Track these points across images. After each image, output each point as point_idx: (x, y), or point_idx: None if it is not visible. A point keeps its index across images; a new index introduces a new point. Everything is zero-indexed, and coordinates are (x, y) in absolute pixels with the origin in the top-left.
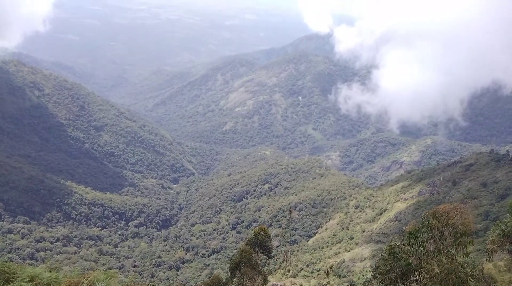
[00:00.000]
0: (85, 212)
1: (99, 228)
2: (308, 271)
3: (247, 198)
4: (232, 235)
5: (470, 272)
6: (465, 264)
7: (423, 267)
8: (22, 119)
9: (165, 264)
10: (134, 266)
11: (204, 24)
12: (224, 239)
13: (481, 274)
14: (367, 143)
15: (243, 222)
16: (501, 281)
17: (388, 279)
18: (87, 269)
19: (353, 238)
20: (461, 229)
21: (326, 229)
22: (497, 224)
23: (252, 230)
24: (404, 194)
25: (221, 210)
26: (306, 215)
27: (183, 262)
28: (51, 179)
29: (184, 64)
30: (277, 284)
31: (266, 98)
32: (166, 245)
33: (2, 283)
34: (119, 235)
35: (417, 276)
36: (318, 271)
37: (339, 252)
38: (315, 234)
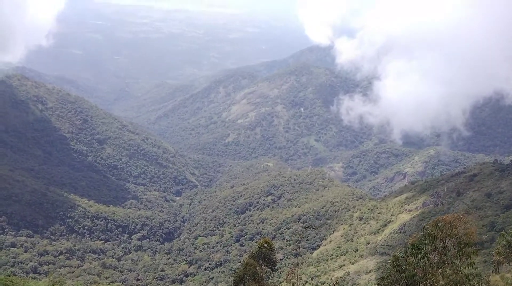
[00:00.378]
0: (88, 225)
1: (102, 241)
2: (312, 284)
3: (250, 210)
4: (236, 248)
5: (476, 284)
6: (471, 276)
7: (428, 278)
8: (26, 133)
9: (168, 278)
10: (138, 280)
11: (206, 37)
12: (227, 252)
13: None
14: (370, 154)
15: (247, 234)
16: None
17: None
18: (90, 282)
19: (357, 250)
20: (465, 239)
21: (330, 241)
22: (503, 235)
23: (256, 242)
24: (408, 205)
25: (224, 223)
26: (310, 227)
27: (187, 276)
28: (54, 192)
29: (187, 77)
30: None
31: (268, 109)
32: (169, 258)
33: None
34: (122, 248)
35: None
36: (323, 284)
37: (343, 265)
38: (319, 246)
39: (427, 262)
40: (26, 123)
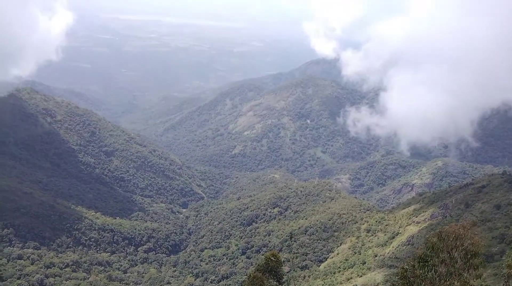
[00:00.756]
0: (95, 237)
1: (109, 253)
2: None
3: (256, 222)
4: (242, 260)
5: None
6: None
7: None
8: (34, 145)
9: None
10: None
11: (213, 51)
12: (234, 264)
13: None
14: (377, 166)
15: (253, 247)
16: None
17: None
18: None
19: (365, 262)
20: (471, 249)
21: (337, 254)
22: None
23: (263, 255)
24: (416, 217)
25: (231, 235)
26: (317, 240)
27: None
28: (61, 204)
29: (193, 90)
30: None
31: (275, 121)
32: (175, 270)
33: None
34: (129, 260)
35: None
36: None
37: (351, 278)
38: (326, 258)
39: (434, 274)
40: (35, 136)
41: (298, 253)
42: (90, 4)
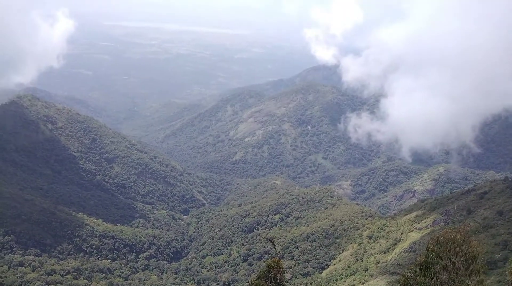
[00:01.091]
0: (96, 244)
1: (110, 260)
2: None
3: (258, 229)
4: (244, 267)
5: None
6: None
7: None
8: (35, 152)
9: None
10: None
11: (213, 58)
12: (235, 271)
13: None
14: (379, 172)
15: (255, 253)
16: None
17: None
18: None
19: (367, 269)
20: (470, 254)
21: (339, 261)
22: None
23: (264, 262)
24: (419, 223)
25: (232, 242)
26: (319, 246)
27: None
28: (62, 211)
29: (194, 97)
30: None
31: (275, 128)
32: (176, 278)
33: None
34: (130, 267)
35: None
36: None
37: (353, 285)
38: (328, 265)
39: (436, 281)
40: (36, 143)
41: (300, 260)
42: (91, 12)
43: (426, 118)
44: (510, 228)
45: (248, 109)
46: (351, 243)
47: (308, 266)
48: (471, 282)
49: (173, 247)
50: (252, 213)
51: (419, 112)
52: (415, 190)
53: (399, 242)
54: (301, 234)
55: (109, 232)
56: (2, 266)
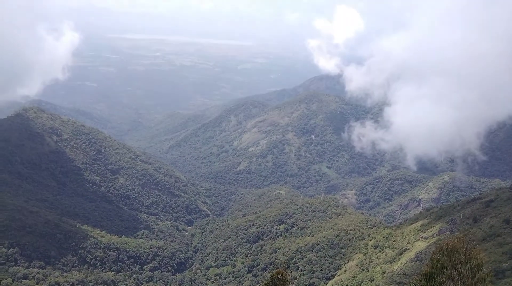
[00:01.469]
0: (100, 256)
1: (114, 272)
2: None
3: (262, 240)
4: (248, 279)
5: None
6: None
7: None
8: (41, 164)
9: None
10: None
11: (217, 69)
12: (240, 282)
13: None
14: (383, 181)
15: (259, 264)
16: None
17: None
18: None
19: (373, 279)
20: (475, 262)
21: (345, 271)
22: None
23: (269, 273)
24: (424, 232)
25: (237, 252)
26: (324, 257)
27: None
28: (67, 223)
29: (198, 107)
30: None
31: (279, 137)
32: None
33: None
34: (134, 279)
35: None
36: None
37: None
38: (333, 276)
39: None
40: (41, 155)
41: (305, 270)
42: (96, 25)
43: (430, 126)
44: None
45: (252, 119)
46: (356, 253)
47: (313, 277)
48: None
49: (177, 258)
50: (256, 223)
51: (423, 120)
52: (420, 199)
53: (405, 251)
54: (306, 244)
55: (113, 243)
56: (6, 279)
